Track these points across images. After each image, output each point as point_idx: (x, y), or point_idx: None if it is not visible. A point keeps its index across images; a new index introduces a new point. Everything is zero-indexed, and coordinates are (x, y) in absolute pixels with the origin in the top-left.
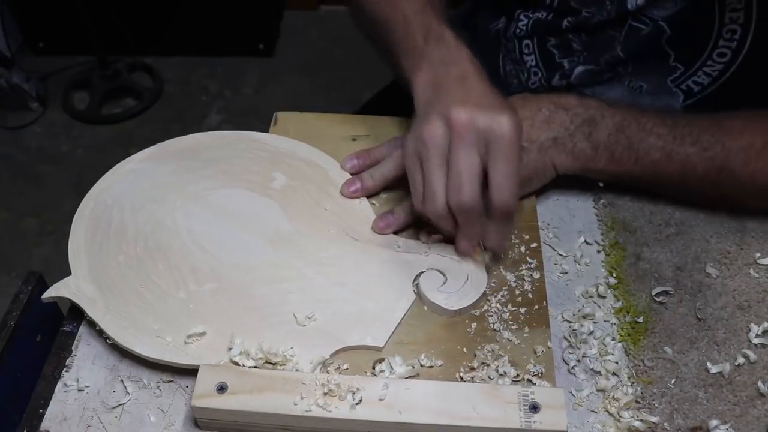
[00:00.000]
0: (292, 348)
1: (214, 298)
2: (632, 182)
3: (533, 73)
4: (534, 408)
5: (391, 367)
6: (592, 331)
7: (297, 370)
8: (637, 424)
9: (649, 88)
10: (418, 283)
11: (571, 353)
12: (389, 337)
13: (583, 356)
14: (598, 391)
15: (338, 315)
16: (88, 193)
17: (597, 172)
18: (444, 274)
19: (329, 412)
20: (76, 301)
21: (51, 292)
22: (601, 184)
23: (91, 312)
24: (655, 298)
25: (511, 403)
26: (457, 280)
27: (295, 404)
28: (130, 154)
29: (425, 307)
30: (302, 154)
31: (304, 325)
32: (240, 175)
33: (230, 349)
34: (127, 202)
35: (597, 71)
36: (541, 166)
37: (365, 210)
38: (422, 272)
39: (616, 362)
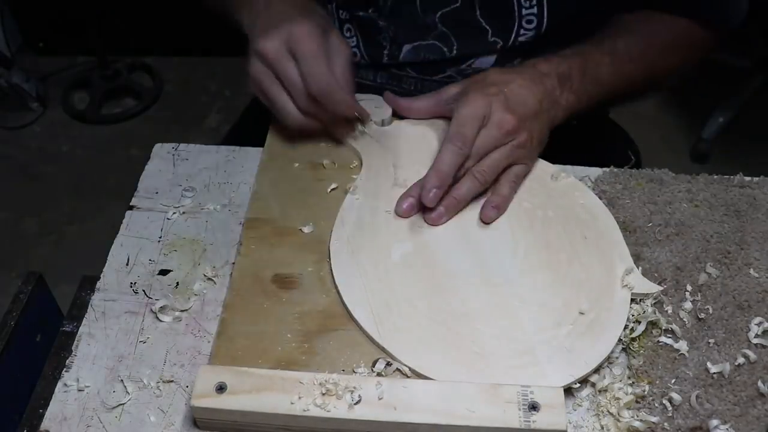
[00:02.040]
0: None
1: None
2: (596, 107)
3: (354, 54)
4: (533, 407)
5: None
6: None
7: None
8: (637, 424)
9: (480, 65)
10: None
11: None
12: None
13: None
14: (598, 391)
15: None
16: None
17: (578, 113)
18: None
19: (327, 411)
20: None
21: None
22: (598, 176)
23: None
24: (662, 297)
25: (510, 403)
26: None
27: (294, 404)
28: (130, 154)
29: None
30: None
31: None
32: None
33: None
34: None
35: (426, 47)
36: (546, 128)
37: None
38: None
39: (616, 362)
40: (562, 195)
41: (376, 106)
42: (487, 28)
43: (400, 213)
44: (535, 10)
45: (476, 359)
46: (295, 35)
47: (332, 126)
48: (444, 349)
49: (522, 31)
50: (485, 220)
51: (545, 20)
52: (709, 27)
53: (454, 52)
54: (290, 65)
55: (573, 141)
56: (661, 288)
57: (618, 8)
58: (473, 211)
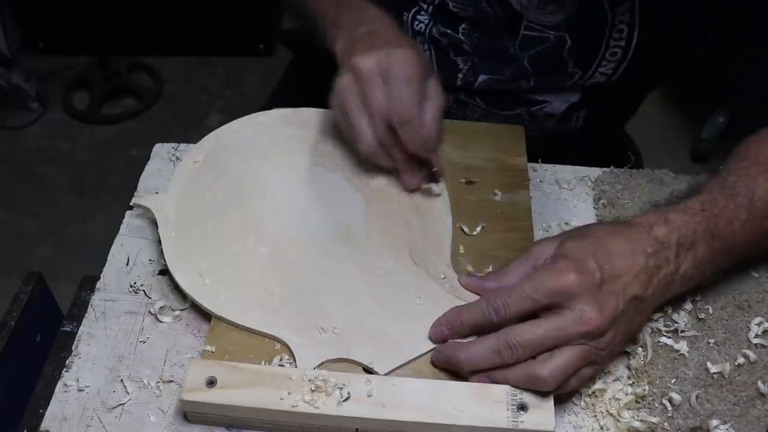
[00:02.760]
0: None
1: (262, 262)
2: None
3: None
4: (522, 407)
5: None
6: None
7: (291, 363)
8: (637, 424)
9: (553, 103)
10: None
11: None
12: (394, 369)
13: None
14: (598, 391)
15: (359, 327)
16: (217, 129)
17: (700, 281)
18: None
19: (316, 408)
20: (155, 213)
21: (140, 201)
22: (598, 176)
23: (161, 228)
24: None
25: (498, 403)
26: None
27: (283, 400)
28: (130, 154)
29: None
30: None
31: (326, 332)
32: (348, 163)
33: None
34: (241, 149)
35: (501, 81)
36: (642, 318)
37: (444, 242)
38: None
39: (617, 362)
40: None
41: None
42: (569, 60)
43: (432, 339)
44: (623, 43)
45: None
46: (394, 57)
47: (402, 168)
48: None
49: (603, 62)
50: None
51: (630, 53)
52: None
53: (531, 83)
54: (380, 86)
55: (573, 141)
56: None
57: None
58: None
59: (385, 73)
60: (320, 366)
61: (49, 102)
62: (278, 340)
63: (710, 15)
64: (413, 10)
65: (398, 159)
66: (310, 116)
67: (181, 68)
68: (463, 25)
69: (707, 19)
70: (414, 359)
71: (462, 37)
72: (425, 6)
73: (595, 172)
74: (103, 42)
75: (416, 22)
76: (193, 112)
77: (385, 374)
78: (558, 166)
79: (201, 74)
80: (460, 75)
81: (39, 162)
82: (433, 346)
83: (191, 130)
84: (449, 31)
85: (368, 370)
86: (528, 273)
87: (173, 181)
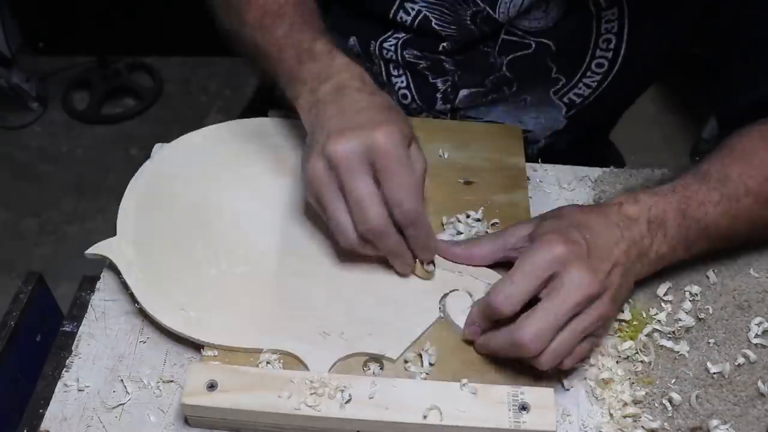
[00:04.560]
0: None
1: (243, 281)
2: (709, 253)
3: (402, 96)
4: (523, 408)
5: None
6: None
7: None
8: (637, 425)
9: (533, 100)
10: (444, 302)
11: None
12: (404, 351)
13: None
14: (598, 391)
15: (358, 320)
16: (149, 160)
17: (674, 262)
18: (472, 297)
19: (318, 410)
20: (114, 260)
21: (93, 249)
22: (598, 176)
23: (125, 274)
24: (662, 297)
25: (500, 403)
26: None
27: (284, 402)
28: (130, 154)
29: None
30: None
31: (328, 334)
32: (296, 167)
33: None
34: (183, 174)
35: (483, 93)
36: (628, 286)
37: None
38: (451, 291)
39: (617, 362)
40: None
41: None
42: (552, 65)
43: (467, 336)
44: (610, 54)
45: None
46: (378, 145)
47: (394, 257)
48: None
49: (589, 73)
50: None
51: (618, 65)
52: None
53: (514, 89)
54: (366, 180)
55: (561, 156)
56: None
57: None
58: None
59: (371, 163)
60: (333, 367)
61: (49, 102)
62: (285, 353)
63: (701, 22)
64: (382, 38)
65: (386, 250)
66: (243, 126)
67: (181, 68)
68: (444, 44)
69: (698, 27)
70: (420, 336)
71: (443, 57)
72: (400, 31)
73: (595, 172)
74: (103, 42)
75: (384, 51)
76: (193, 112)
77: (395, 359)
78: (558, 166)
79: (201, 74)
80: (439, 95)
81: (39, 162)
82: (433, 320)
83: (191, 130)
84: (427, 53)
85: (378, 360)
86: (499, 249)
87: (121, 223)
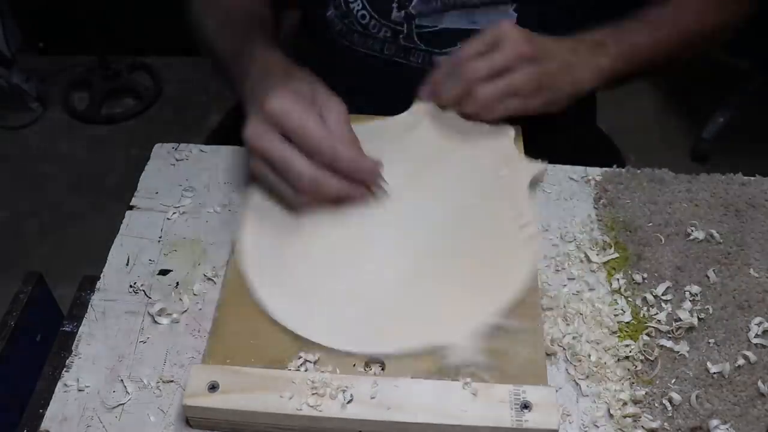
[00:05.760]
0: None
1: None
2: (637, 76)
3: (361, 17)
4: (525, 406)
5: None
6: (592, 332)
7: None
8: (637, 425)
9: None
10: None
11: (571, 354)
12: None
13: (583, 356)
14: (598, 391)
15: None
16: None
17: (614, 81)
18: None
19: (320, 411)
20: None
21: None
22: (598, 176)
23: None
24: (662, 297)
25: (502, 402)
26: None
27: (286, 403)
28: (130, 154)
29: None
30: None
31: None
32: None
33: None
34: None
35: None
36: (578, 81)
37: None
38: None
39: (616, 362)
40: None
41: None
42: None
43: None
44: None
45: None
46: (274, 111)
47: (345, 196)
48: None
49: None
50: (422, 96)
51: None
52: None
53: None
54: (282, 147)
55: (560, 151)
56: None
57: None
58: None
59: (281, 130)
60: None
61: (49, 102)
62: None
63: None
64: None
65: (335, 193)
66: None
67: (181, 68)
68: None
69: None
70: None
71: None
72: None
73: (596, 171)
74: (103, 42)
75: None
76: (193, 112)
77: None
78: (558, 166)
79: (201, 74)
80: (394, 4)
81: (39, 162)
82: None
83: (191, 130)
84: None
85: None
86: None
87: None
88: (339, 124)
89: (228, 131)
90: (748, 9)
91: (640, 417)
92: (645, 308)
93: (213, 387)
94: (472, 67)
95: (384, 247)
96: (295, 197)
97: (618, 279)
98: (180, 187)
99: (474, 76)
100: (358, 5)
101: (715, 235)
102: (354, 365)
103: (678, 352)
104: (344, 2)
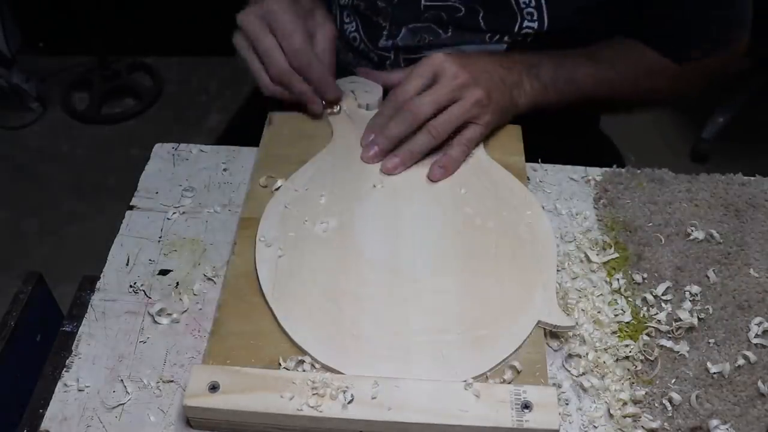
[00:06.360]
0: None
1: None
2: (574, 107)
3: (352, 38)
4: (526, 406)
5: None
6: (592, 332)
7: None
8: (637, 425)
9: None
10: None
11: (571, 353)
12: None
13: (583, 356)
14: (598, 391)
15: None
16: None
17: (547, 105)
18: None
19: (320, 411)
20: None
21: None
22: (598, 176)
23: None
24: (662, 297)
25: (503, 402)
26: None
27: (286, 404)
28: (130, 154)
29: None
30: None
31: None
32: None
33: None
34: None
35: (422, 29)
36: (508, 101)
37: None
38: None
39: (616, 362)
40: (512, 209)
41: (366, 90)
42: (485, 29)
43: (365, 160)
44: (533, 10)
45: (351, 340)
46: (271, 9)
47: (303, 100)
48: (324, 323)
49: (525, 23)
50: (432, 179)
51: (545, 18)
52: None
53: (449, 32)
54: (268, 38)
55: (559, 151)
56: (574, 324)
57: (617, 14)
58: (410, 202)
59: (269, 25)
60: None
61: (49, 102)
62: None
63: None
64: None
65: (297, 94)
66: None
67: (181, 68)
68: None
69: None
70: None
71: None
72: None
73: (596, 171)
74: (103, 42)
75: None
76: (193, 112)
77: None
78: (558, 166)
79: (201, 74)
80: (384, 32)
81: (39, 162)
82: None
83: (191, 130)
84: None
85: None
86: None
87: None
88: (323, 43)
89: (229, 132)
90: (695, 92)
91: (640, 417)
92: (645, 308)
93: (213, 387)
94: (417, 106)
95: (409, 270)
96: (264, 81)
97: (618, 279)
98: (180, 187)
99: (422, 115)
100: (352, 27)
101: (715, 235)
102: None
103: (678, 352)
104: (340, 20)
